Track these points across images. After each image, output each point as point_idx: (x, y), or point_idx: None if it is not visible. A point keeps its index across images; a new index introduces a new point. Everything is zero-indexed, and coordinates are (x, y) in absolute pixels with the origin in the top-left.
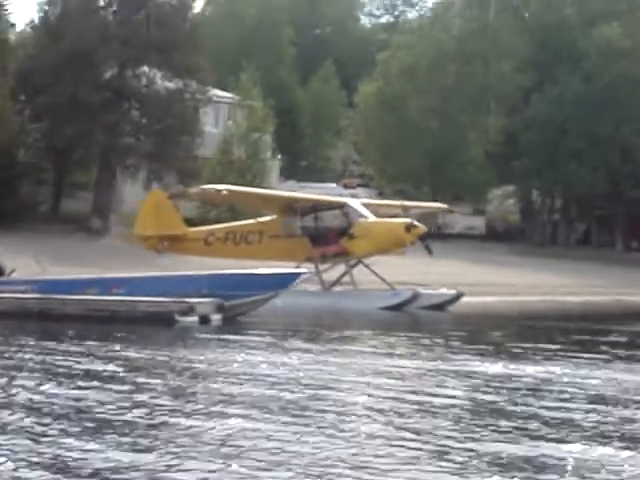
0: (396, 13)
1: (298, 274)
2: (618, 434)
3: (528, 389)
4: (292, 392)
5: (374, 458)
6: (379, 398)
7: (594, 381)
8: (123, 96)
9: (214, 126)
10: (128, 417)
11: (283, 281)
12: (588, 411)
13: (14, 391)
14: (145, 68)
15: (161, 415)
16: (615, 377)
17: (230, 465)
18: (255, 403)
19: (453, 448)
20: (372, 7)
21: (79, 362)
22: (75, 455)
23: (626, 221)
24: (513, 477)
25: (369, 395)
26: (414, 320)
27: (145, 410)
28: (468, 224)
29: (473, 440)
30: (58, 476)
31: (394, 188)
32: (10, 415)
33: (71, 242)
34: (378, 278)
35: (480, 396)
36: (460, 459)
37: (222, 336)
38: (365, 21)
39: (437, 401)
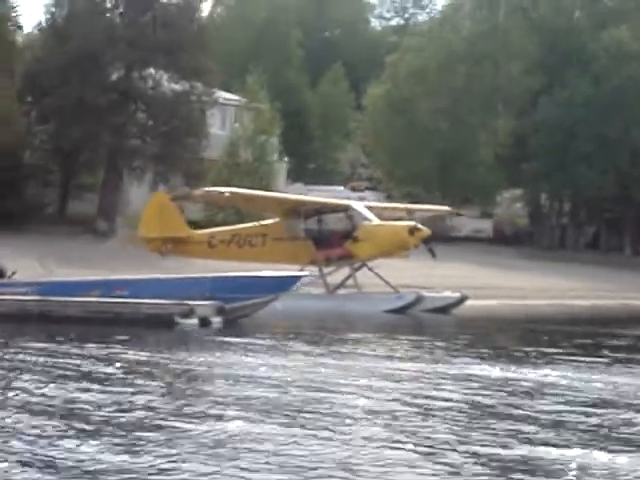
0: (406, 15)
1: (299, 277)
2: (615, 437)
3: (526, 392)
4: (291, 394)
5: (370, 461)
6: (378, 401)
7: (593, 384)
8: (129, 98)
9: (221, 128)
10: (125, 419)
11: (284, 284)
12: (585, 414)
13: (11, 393)
14: (151, 70)
15: (158, 417)
16: (614, 381)
17: (227, 467)
18: (253, 405)
19: (449, 450)
20: (382, 10)
21: (77, 364)
22: (71, 456)
23: (635, 224)
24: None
25: (368, 398)
26: (417, 323)
27: (142, 412)
28: (476, 227)
29: (469, 443)
30: (54, 477)
31: (403, 191)
32: (6, 416)
33: (77, 244)
34: (382, 281)
35: (478, 399)
36: (456, 462)
37: (222, 338)
38: (375, 24)
39: (435, 404)
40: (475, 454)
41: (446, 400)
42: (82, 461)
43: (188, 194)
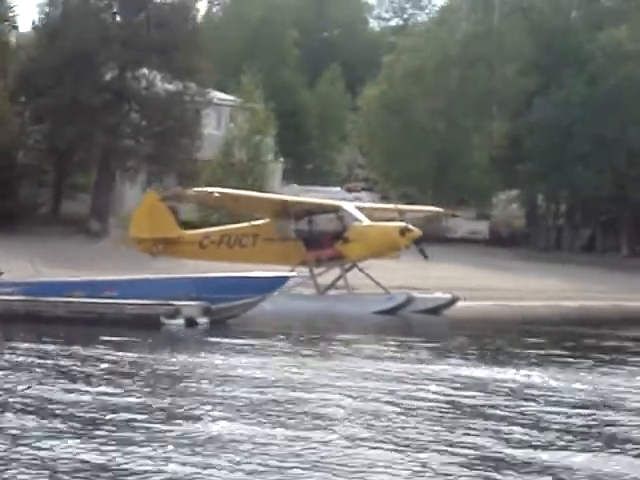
0: (405, 16)
1: (287, 277)
2: (595, 438)
3: (509, 393)
4: (273, 395)
5: (349, 461)
6: (360, 401)
7: (575, 385)
8: (123, 98)
9: (216, 128)
10: (107, 419)
11: (272, 284)
12: (566, 415)
13: None
14: (145, 70)
15: (140, 417)
16: (597, 382)
17: (207, 468)
18: (234, 406)
19: (428, 451)
20: (381, 10)
21: (62, 364)
22: (52, 455)
23: (632, 224)
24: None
25: (351, 398)
26: (407, 324)
27: (124, 412)
28: (471, 228)
29: (449, 443)
30: (35, 476)
31: (399, 192)
32: None
33: (70, 244)
34: (373, 282)
35: (460, 399)
36: (434, 461)
37: (207, 339)
38: (374, 24)
39: (417, 404)
40: (455, 454)
41: (429, 400)
42: (63, 460)
43: (178, 194)
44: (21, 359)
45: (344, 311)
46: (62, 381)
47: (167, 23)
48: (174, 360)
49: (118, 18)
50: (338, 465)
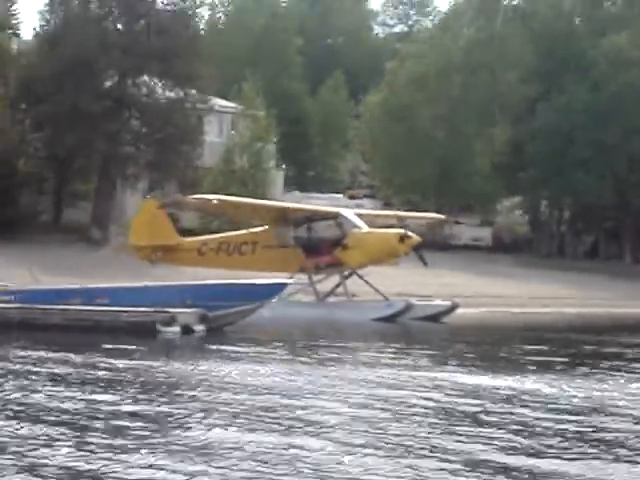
0: (410, 23)
1: (284, 285)
2: (591, 444)
3: (503, 400)
4: (266, 402)
5: (341, 466)
6: (353, 407)
7: (570, 392)
8: (123, 105)
9: (218, 136)
10: (99, 425)
11: (269, 292)
12: (560, 421)
13: None
14: (145, 77)
15: (132, 424)
16: (590, 388)
17: (199, 475)
18: (227, 412)
19: (421, 456)
20: (385, 17)
21: (54, 371)
22: (44, 462)
23: (634, 232)
24: None
25: (344, 404)
26: (406, 331)
27: (115, 419)
28: (474, 235)
29: (441, 450)
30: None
31: (401, 198)
32: None
33: (71, 252)
34: (372, 289)
35: (454, 406)
36: (425, 467)
37: (203, 346)
38: (379, 31)
39: (409, 410)
40: (447, 461)
41: (423, 407)
42: (53, 467)
43: (177, 201)
44: (16, 367)
45: (342, 318)
46: (56, 388)
47: (167, 30)
48: (168, 367)
49: (118, 25)
50: (329, 472)
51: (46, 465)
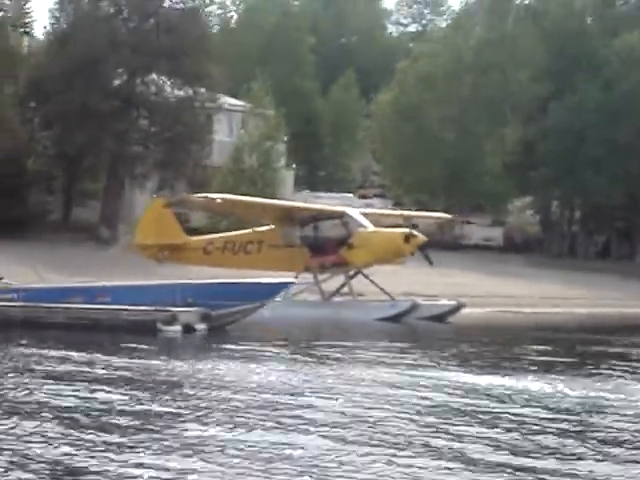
0: (424, 22)
1: (286, 284)
2: (579, 444)
3: (501, 399)
4: (265, 399)
5: (334, 463)
6: (350, 406)
7: (571, 392)
8: (132, 104)
9: (228, 135)
10: (95, 422)
11: (270, 291)
12: (552, 420)
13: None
14: (154, 76)
15: (127, 422)
16: (587, 388)
17: (193, 471)
18: (224, 410)
19: (410, 454)
20: (399, 16)
21: (60, 370)
22: (46, 457)
23: None
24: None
25: (339, 402)
26: (411, 331)
27: (111, 417)
28: (486, 235)
29: (436, 448)
30: (40, 475)
31: (412, 198)
32: None
33: (80, 251)
34: (377, 288)
35: (447, 404)
36: (417, 462)
37: (204, 345)
38: (392, 30)
39: (406, 409)
40: (440, 458)
41: (420, 406)
42: (49, 463)
43: (182, 200)
44: (16, 364)
45: (347, 318)
46: (55, 386)
47: (176, 29)
48: (167, 366)
49: (128, 24)
50: (326, 470)
51: (42, 461)
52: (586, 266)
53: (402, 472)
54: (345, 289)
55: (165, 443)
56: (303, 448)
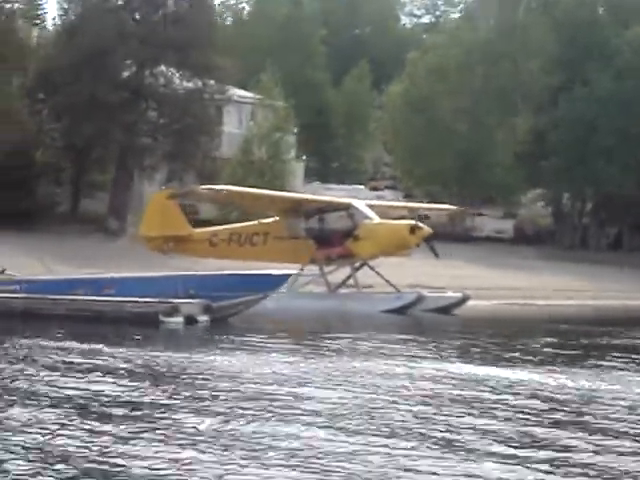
0: (437, 13)
1: (288, 275)
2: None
3: (493, 387)
4: (264, 390)
5: (326, 452)
6: (350, 397)
7: (548, 385)
8: (141, 95)
9: (237, 126)
10: (94, 412)
11: (273, 282)
12: (551, 411)
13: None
14: (163, 68)
15: (126, 412)
16: (584, 381)
17: (193, 464)
18: (225, 401)
19: (401, 438)
20: (413, 7)
21: (63, 360)
22: (53, 444)
23: None
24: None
25: (341, 393)
26: (416, 323)
27: (110, 407)
28: (497, 227)
29: (429, 437)
30: (41, 464)
31: (423, 190)
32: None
33: (88, 243)
34: (383, 280)
35: (445, 395)
36: (414, 452)
37: (205, 336)
38: (406, 21)
39: (404, 400)
40: (434, 447)
41: (415, 396)
42: (52, 450)
43: (187, 192)
44: (18, 354)
45: (352, 310)
46: (63, 378)
47: (184, 20)
48: (167, 357)
49: (136, 15)
50: (319, 459)
51: (40, 450)
52: (597, 258)
53: (398, 462)
54: (351, 281)
55: (162, 433)
56: (300, 439)
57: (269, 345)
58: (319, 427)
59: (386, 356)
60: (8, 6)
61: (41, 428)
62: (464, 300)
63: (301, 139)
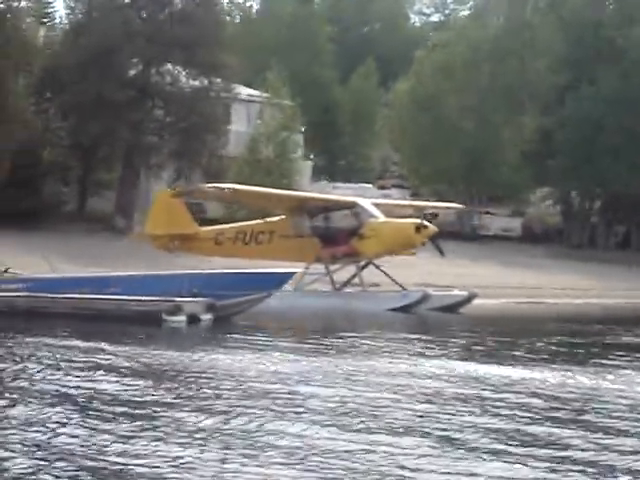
0: (447, 12)
1: (291, 274)
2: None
3: (495, 385)
4: (264, 388)
5: (324, 450)
6: (350, 394)
7: (546, 383)
8: (147, 94)
9: (245, 125)
10: (95, 409)
11: (276, 281)
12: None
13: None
14: (169, 66)
15: (126, 409)
16: (581, 378)
17: (193, 461)
18: (226, 399)
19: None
20: (422, 5)
21: (67, 358)
22: (53, 440)
23: None
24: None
25: (341, 391)
26: (421, 322)
27: (108, 404)
28: (505, 226)
29: (430, 434)
30: (42, 462)
31: (430, 189)
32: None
33: (95, 241)
34: (389, 279)
35: (446, 393)
36: (415, 450)
37: (207, 335)
38: (415, 19)
39: (405, 397)
40: (435, 445)
41: (415, 394)
42: (56, 448)
43: (192, 190)
44: (21, 352)
45: (358, 308)
46: (66, 377)
47: (191, 19)
48: (169, 356)
49: (143, 14)
50: (319, 457)
51: (41, 448)
52: (605, 257)
53: (399, 460)
54: (356, 279)
55: (163, 431)
56: (302, 437)
57: (272, 344)
58: (322, 425)
59: (390, 354)
60: (15, 4)
61: (42, 426)
62: (470, 298)
63: (308, 137)
